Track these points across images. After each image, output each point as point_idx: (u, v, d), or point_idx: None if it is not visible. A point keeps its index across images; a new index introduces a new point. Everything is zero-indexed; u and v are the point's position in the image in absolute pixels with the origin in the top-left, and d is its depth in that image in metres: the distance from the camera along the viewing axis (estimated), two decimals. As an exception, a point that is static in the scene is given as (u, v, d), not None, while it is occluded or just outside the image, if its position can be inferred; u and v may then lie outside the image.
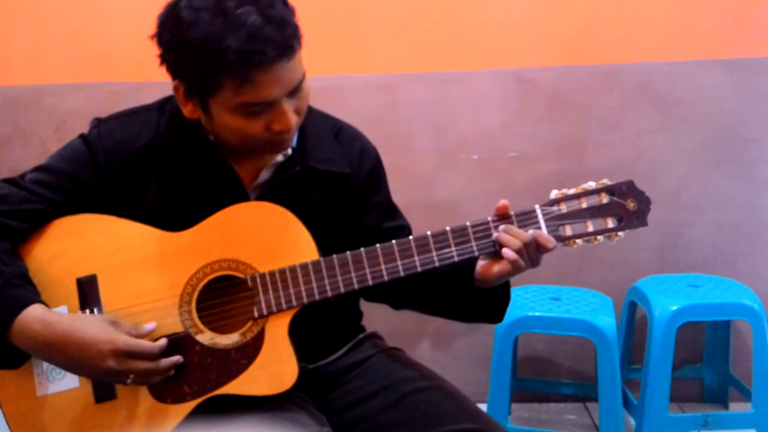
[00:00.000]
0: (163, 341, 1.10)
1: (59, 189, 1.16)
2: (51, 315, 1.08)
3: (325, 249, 1.14)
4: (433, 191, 2.37)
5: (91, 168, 1.17)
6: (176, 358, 1.10)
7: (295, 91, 1.08)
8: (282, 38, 1.02)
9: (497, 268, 1.13)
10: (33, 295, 1.09)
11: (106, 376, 1.08)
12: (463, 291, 1.20)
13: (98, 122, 1.21)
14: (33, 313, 1.06)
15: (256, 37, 1.00)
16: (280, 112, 1.07)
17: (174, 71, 1.09)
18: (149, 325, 1.11)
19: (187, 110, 1.13)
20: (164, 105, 1.21)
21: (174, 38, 1.05)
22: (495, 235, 1.12)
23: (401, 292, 1.28)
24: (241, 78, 1.02)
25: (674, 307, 2.06)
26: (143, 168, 1.18)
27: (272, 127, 1.08)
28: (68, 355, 1.06)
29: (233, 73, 1.02)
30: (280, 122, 1.08)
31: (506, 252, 1.10)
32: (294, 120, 1.09)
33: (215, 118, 1.10)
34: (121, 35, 2.26)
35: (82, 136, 1.20)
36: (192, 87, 1.09)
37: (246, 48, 1.00)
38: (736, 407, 2.36)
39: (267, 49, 1.00)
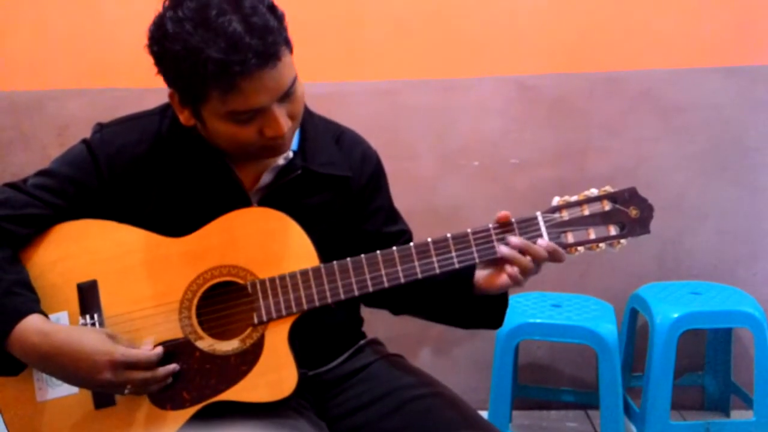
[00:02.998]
0: (159, 349, 1.10)
1: (61, 193, 1.16)
2: (48, 326, 1.08)
3: (325, 253, 1.14)
4: (434, 197, 2.37)
5: (94, 173, 1.17)
6: (173, 367, 1.10)
7: (286, 96, 1.07)
8: (264, 46, 1.00)
9: (501, 281, 1.13)
10: (32, 304, 1.09)
11: (103, 387, 1.08)
12: (462, 297, 1.19)
13: (100, 127, 1.21)
14: (31, 323, 1.06)
15: (236, 46, 0.99)
16: (272, 117, 1.06)
17: (167, 81, 1.10)
18: (146, 343, 1.10)
19: (183, 118, 1.13)
20: (166, 110, 1.21)
21: (160, 50, 1.05)
22: (504, 250, 1.10)
23: (401, 298, 1.28)
24: (225, 87, 1.02)
25: (675, 315, 2.06)
26: (145, 173, 1.18)
27: (265, 133, 1.08)
28: (64, 366, 1.06)
29: (217, 82, 1.02)
30: (272, 128, 1.07)
31: (514, 274, 1.10)
32: (287, 125, 1.08)
33: (208, 126, 1.10)
34: (124, 41, 2.27)
35: (84, 141, 1.20)
36: (184, 96, 1.09)
37: (226, 57, 0.99)
38: (738, 415, 2.35)
39: (248, 57, 0.99)
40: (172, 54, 1.02)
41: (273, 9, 1.06)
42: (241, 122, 1.07)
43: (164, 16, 1.04)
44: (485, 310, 1.22)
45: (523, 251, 1.10)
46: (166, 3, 1.05)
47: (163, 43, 1.03)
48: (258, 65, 1.01)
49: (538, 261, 1.11)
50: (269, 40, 1.01)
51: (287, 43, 1.07)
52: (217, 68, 1.00)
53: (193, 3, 1.02)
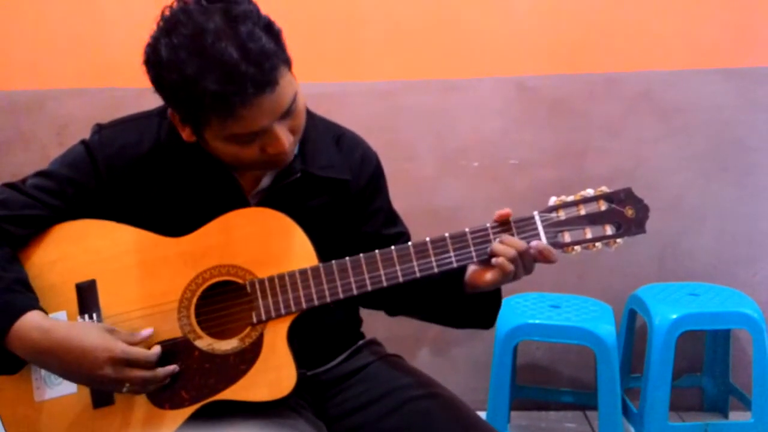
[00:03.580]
0: (157, 348, 1.10)
1: (60, 194, 1.16)
2: (48, 322, 1.08)
3: (324, 255, 1.14)
4: (433, 198, 2.37)
5: (92, 174, 1.17)
6: (173, 368, 1.10)
7: (287, 114, 1.06)
8: (261, 74, 0.99)
9: (489, 276, 1.12)
10: (31, 302, 1.09)
11: (103, 384, 1.08)
12: (453, 296, 1.19)
13: (99, 128, 1.21)
14: (31, 319, 1.06)
15: (232, 76, 0.98)
16: (273, 136, 1.06)
17: (165, 102, 1.10)
18: (146, 331, 1.11)
19: (185, 135, 1.12)
20: (165, 111, 1.20)
21: (157, 75, 1.04)
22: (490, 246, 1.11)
23: (398, 299, 1.28)
24: (224, 115, 1.01)
25: (674, 316, 2.06)
26: (144, 174, 1.18)
27: (267, 151, 1.08)
28: (65, 362, 1.06)
29: (215, 111, 1.01)
30: (274, 146, 1.07)
31: (497, 260, 1.09)
32: (289, 141, 1.08)
33: (210, 145, 1.10)
34: (123, 41, 2.27)
35: (83, 142, 1.20)
36: (184, 117, 1.09)
37: (223, 89, 0.98)
38: (736, 416, 2.35)
39: (245, 87, 0.98)
40: (168, 82, 1.02)
41: (270, 28, 1.04)
42: (242, 143, 1.07)
43: (159, 40, 1.02)
44: (476, 308, 1.22)
45: (501, 241, 1.10)
46: (160, 24, 1.03)
47: (159, 71, 1.02)
48: (256, 93, 1.00)
49: (519, 251, 1.10)
50: (266, 67, 1.00)
51: (286, 62, 1.05)
52: (214, 100, 0.99)
53: (188, 29, 1.00)
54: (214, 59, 0.98)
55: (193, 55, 0.98)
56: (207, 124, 1.05)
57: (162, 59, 1.01)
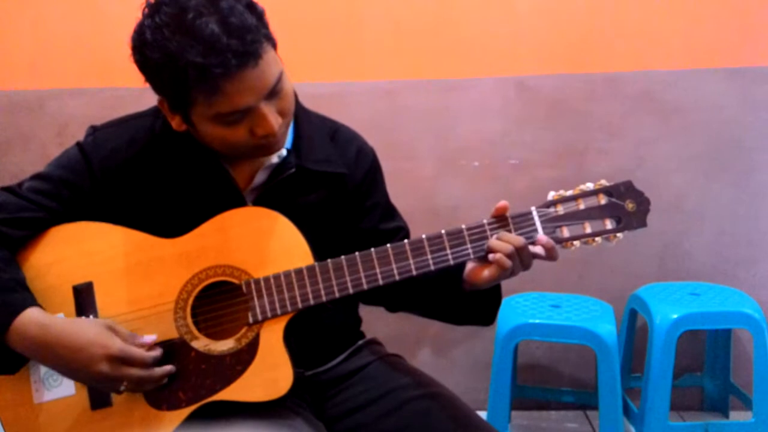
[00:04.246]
0: (157, 350, 1.10)
1: (56, 197, 1.16)
2: (47, 318, 1.08)
3: (322, 251, 1.14)
4: (433, 198, 2.37)
5: (87, 175, 1.17)
6: (170, 368, 1.10)
7: (273, 93, 1.06)
8: (243, 46, 1.00)
9: (487, 272, 1.12)
10: (30, 300, 1.09)
11: (99, 381, 1.08)
12: (452, 293, 1.19)
13: (94, 130, 1.21)
14: (30, 316, 1.07)
15: (214, 49, 0.98)
16: (260, 116, 1.06)
17: (153, 88, 1.10)
18: (149, 337, 1.10)
19: (175, 123, 1.13)
20: (159, 111, 1.20)
21: (142, 58, 1.05)
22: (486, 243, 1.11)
23: (397, 295, 1.27)
24: (209, 91, 1.01)
25: (675, 315, 2.05)
26: (139, 174, 1.18)
27: (256, 132, 1.08)
28: (62, 357, 1.06)
29: (200, 87, 1.01)
30: (262, 126, 1.07)
31: (495, 257, 1.09)
32: (277, 122, 1.08)
33: (199, 129, 1.10)
34: (123, 40, 2.25)
35: (78, 144, 1.20)
36: (172, 102, 1.09)
37: (205, 61, 0.98)
38: (737, 416, 2.35)
39: (227, 59, 0.99)
40: (152, 62, 1.02)
41: (252, 6, 1.05)
42: (230, 123, 1.06)
43: (143, 24, 1.03)
44: (476, 305, 1.21)
45: (499, 237, 1.10)
46: (146, 10, 1.05)
47: (144, 52, 1.03)
48: (239, 66, 1.00)
49: (517, 247, 1.09)
50: (248, 39, 1.00)
51: (269, 40, 1.06)
52: (197, 73, 0.99)
53: (171, 8, 1.01)
54: (196, 34, 0.99)
55: (176, 32, 0.99)
56: (193, 103, 1.05)
57: (146, 40, 1.02)
